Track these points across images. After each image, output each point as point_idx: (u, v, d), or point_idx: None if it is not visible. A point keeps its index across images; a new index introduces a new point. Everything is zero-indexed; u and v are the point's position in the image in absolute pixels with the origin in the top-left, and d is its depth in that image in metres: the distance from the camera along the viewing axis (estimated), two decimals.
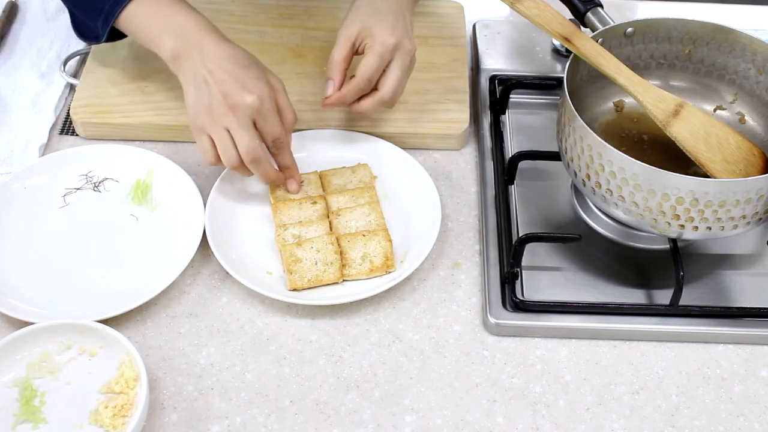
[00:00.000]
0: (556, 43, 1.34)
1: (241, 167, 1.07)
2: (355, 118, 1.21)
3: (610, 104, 1.19)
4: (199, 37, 1.06)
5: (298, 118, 1.10)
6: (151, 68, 1.26)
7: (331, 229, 1.09)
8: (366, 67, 1.09)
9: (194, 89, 1.05)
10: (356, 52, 1.11)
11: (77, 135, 1.22)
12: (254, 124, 1.05)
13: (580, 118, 1.01)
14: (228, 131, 1.04)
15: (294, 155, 1.12)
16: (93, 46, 1.29)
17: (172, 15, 1.08)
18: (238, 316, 1.05)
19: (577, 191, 1.16)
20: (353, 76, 1.10)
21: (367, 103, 1.12)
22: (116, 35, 1.14)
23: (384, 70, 1.10)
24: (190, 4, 1.10)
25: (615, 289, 1.07)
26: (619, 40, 1.13)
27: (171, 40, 1.07)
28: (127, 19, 1.09)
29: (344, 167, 1.16)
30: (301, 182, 1.14)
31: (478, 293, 1.07)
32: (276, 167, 1.11)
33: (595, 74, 1.09)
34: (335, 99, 1.11)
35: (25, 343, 0.97)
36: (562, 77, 1.05)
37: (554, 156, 1.12)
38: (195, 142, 1.22)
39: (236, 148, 1.05)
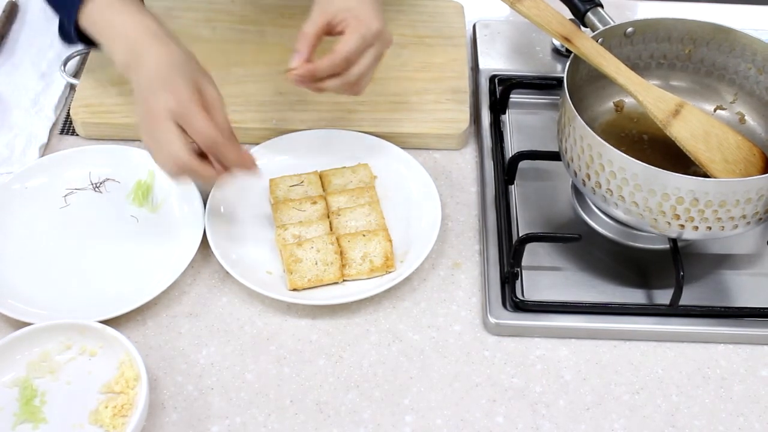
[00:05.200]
0: (556, 43, 1.34)
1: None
2: (355, 119, 1.21)
3: (610, 104, 1.19)
4: (141, 43, 1.01)
5: (231, 120, 1.02)
6: None
7: (331, 229, 1.09)
8: (347, 46, 1.03)
9: (137, 100, 1.00)
10: (329, 32, 1.06)
11: (77, 135, 1.22)
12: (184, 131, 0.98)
13: (580, 118, 1.01)
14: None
15: (294, 155, 1.11)
16: None
17: (120, 21, 1.02)
18: (238, 316, 1.05)
19: (577, 191, 1.16)
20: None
21: (332, 83, 1.05)
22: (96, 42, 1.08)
23: None
24: (138, 2, 1.05)
25: (615, 289, 1.07)
26: (619, 39, 1.13)
27: (119, 48, 1.02)
28: (85, 20, 1.04)
29: (344, 167, 1.16)
30: (302, 182, 1.14)
31: (478, 293, 1.07)
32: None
33: (595, 74, 1.09)
34: (305, 71, 1.04)
35: (25, 343, 0.97)
36: (562, 77, 1.05)
37: (554, 156, 1.12)
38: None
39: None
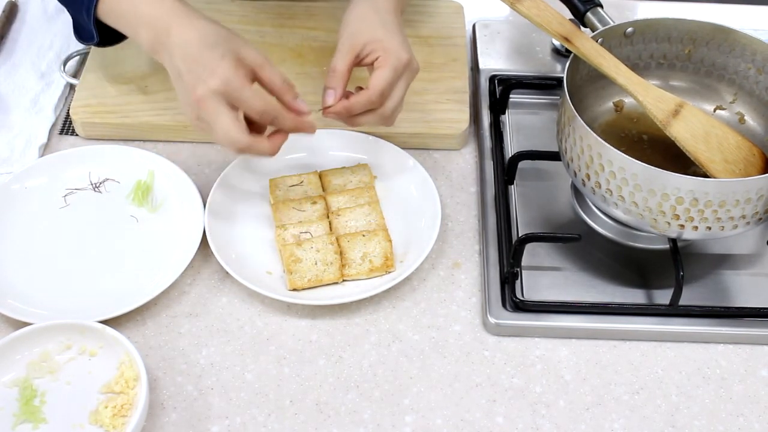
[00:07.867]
0: (556, 43, 1.34)
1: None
2: None
3: (610, 104, 1.19)
4: (166, 24, 0.98)
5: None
6: (151, 68, 1.26)
7: (331, 229, 1.09)
8: (381, 81, 1.03)
9: (176, 84, 0.99)
10: (358, 63, 1.06)
11: (77, 135, 1.22)
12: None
13: (580, 118, 1.01)
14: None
15: (294, 155, 1.11)
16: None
17: (141, 4, 0.99)
18: (238, 316, 1.05)
19: (577, 191, 1.16)
20: (359, 87, 1.06)
21: (368, 118, 1.06)
22: (115, 37, 1.09)
23: None
24: None
25: (615, 289, 1.07)
26: (618, 40, 1.13)
27: (144, 33, 0.99)
28: (105, 10, 1.03)
29: (344, 167, 1.16)
30: (301, 182, 1.14)
31: (478, 293, 1.07)
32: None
33: (595, 74, 1.09)
34: (341, 108, 1.04)
35: (25, 343, 0.97)
36: (562, 77, 1.05)
37: (554, 156, 1.12)
38: (194, 142, 1.23)
39: None
